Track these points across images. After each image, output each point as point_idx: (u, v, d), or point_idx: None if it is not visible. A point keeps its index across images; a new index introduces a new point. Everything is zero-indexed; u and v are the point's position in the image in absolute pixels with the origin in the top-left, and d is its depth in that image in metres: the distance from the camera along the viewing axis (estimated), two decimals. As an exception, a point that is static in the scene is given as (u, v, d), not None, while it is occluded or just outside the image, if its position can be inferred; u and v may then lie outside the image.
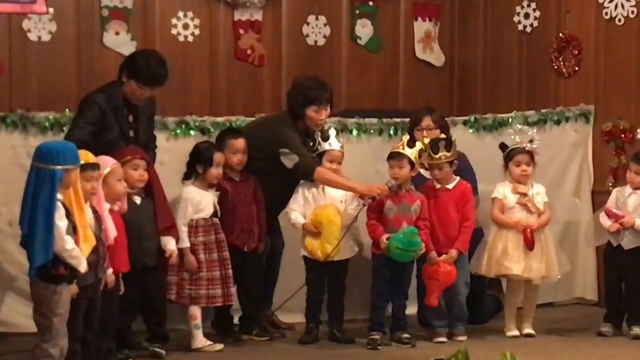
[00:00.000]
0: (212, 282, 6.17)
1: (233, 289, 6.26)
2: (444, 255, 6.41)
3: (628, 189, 6.66)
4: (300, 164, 6.32)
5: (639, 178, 6.61)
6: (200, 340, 6.17)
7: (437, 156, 6.41)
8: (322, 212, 6.37)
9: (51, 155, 4.98)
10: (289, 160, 6.33)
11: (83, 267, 5.04)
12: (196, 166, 6.25)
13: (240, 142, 6.36)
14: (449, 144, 6.44)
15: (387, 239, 6.29)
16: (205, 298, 6.17)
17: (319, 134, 6.53)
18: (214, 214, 6.26)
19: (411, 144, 6.40)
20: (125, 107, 6.01)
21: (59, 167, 4.95)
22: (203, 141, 6.45)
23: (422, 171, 6.59)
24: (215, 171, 6.23)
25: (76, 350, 5.23)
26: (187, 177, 6.28)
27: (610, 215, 6.59)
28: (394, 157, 6.39)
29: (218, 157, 6.25)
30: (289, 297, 6.61)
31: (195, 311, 6.18)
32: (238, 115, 6.95)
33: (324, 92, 6.48)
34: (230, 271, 6.20)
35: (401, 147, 6.39)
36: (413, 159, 6.37)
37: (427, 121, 6.73)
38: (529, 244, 6.52)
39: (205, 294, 6.16)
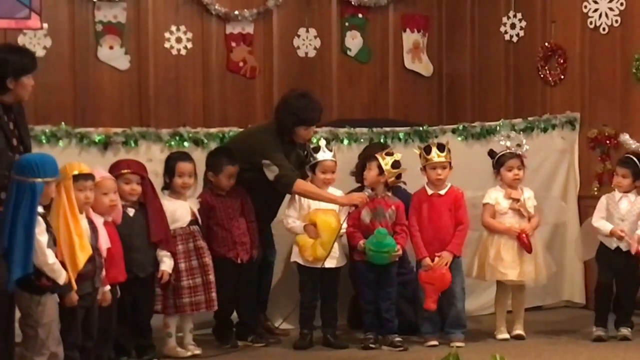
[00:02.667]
0: (194, 290, 6.20)
1: (216, 294, 6.27)
2: (437, 259, 6.51)
3: (617, 194, 6.72)
4: (281, 176, 6.38)
5: (626, 181, 6.69)
6: (171, 347, 6.23)
7: (443, 154, 6.54)
8: (324, 216, 6.46)
9: (31, 167, 5.01)
10: (271, 172, 6.39)
11: (62, 279, 5.09)
12: (165, 176, 6.32)
13: (236, 169, 6.39)
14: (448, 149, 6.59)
15: (363, 243, 6.44)
16: (189, 306, 6.21)
17: (309, 145, 6.65)
18: (194, 222, 6.29)
19: (390, 153, 6.53)
20: (4, 114, 5.39)
21: (39, 179, 5.00)
22: (175, 151, 6.47)
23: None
24: (180, 180, 6.24)
25: (75, 359, 5.30)
26: (165, 187, 6.34)
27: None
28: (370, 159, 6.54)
29: (182, 167, 6.24)
30: (288, 314, 6.65)
31: (167, 320, 6.23)
32: (231, 127, 7.01)
33: (315, 112, 6.52)
34: (211, 277, 6.24)
35: (380, 156, 6.52)
36: (383, 166, 6.47)
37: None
38: (528, 248, 6.61)
39: (188, 302, 6.20)
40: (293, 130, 6.49)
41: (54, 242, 5.07)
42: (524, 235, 6.62)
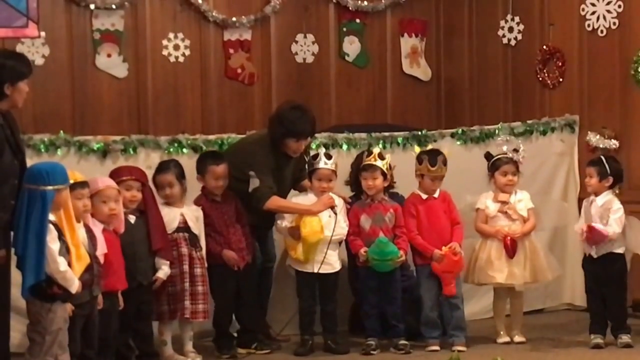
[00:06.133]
0: (172, 297, 6.17)
1: (201, 306, 6.22)
2: (445, 247, 6.53)
3: (593, 196, 6.63)
4: (256, 190, 6.37)
5: (593, 181, 6.57)
6: (168, 355, 6.21)
7: (445, 167, 6.60)
8: (308, 222, 6.43)
9: (41, 176, 5.07)
10: (252, 184, 6.39)
11: (75, 288, 5.12)
12: None
13: (221, 168, 6.37)
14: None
15: (365, 251, 6.45)
16: (168, 312, 6.17)
17: (310, 152, 6.64)
18: (182, 230, 6.24)
19: (382, 156, 6.54)
20: (3, 122, 5.31)
21: (50, 187, 5.05)
22: (161, 161, 6.45)
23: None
24: (162, 193, 6.22)
25: (75, 367, 5.30)
26: None
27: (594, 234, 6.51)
28: (367, 169, 6.53)
29: (157, 179, 6.22)
30: (288, 321, 6.64)
31: (161, 328, 6.22)
32: (230, 133, 7.01)
33: (305, 126, 6.48)
34: (200, 288, 6.20)
35: (373, 159, 6.52)
36: (385, 170, 6.50)
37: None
38: (509, 252, 6.61)
39: (167, 310, 6.16)
40: (283, 142, 6.47)
41: (66, 250, 5.10)
42: (508, 238, 6.62)
